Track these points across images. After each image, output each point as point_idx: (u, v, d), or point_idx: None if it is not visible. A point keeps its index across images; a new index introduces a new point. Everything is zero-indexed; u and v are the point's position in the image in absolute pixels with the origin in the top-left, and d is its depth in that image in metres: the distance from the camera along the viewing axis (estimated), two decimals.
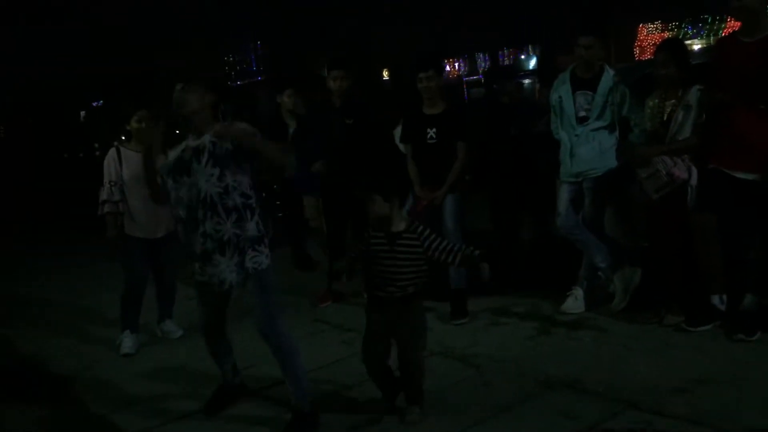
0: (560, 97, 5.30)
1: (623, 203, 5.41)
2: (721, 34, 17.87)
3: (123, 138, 5.63)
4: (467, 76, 26.63)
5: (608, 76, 5.19)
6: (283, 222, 7.44)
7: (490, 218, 6.31)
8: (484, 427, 3.69)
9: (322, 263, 6.86)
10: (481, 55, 26.36)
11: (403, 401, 3.86)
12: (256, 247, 3.77)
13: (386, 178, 3.89)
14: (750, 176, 4.45)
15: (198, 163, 3.72)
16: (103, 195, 5.32)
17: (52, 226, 12.96)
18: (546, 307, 5.43)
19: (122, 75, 26.77)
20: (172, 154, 3.86)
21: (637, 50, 21.06)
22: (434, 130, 5.50)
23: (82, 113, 35.15)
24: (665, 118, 4.80)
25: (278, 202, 7.46)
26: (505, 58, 25.53)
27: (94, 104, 34.86)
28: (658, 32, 20.90)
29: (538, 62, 23.00)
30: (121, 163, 5.31)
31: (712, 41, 17.69)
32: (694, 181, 4.64)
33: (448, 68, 26.09)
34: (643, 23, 21.30)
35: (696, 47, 16.36)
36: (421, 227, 3.80)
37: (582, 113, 5.21)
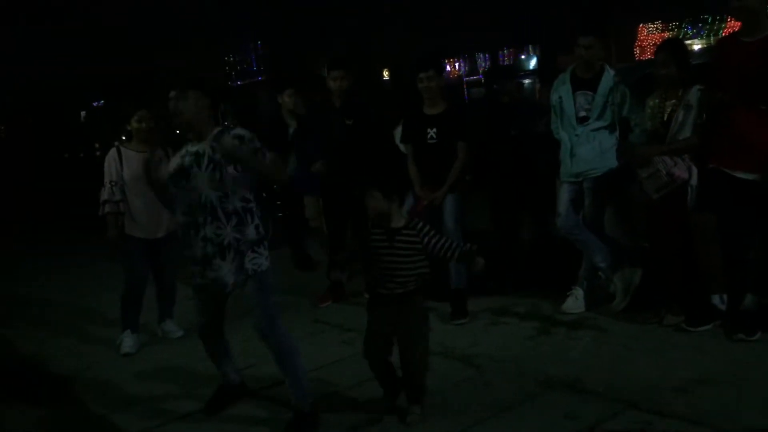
0: (560, 97, 5.30)
1: (623, 203, 5.41)
2: (722, 34, 17.88)
3: (123, 138, 5.64)
4: (467, 76, 26.64)
5: (608, 76, 5.19)
6: (284, 222, 7.44)
7: (490, 218, 6.30)
8: (485, 427, 3.69)
9: (322, 263, 6.87)
10: (481, 55, 26.36)
11: (404, 401, 3.86)
12: (255, 248, 3.78)
13: (386, 175, 3.89)
14: (750, 176, 4.45)
15: (198, 168, 3.74)
16: (104, 195, 5.32)
17: (52, 226, 12.97)
18: (546, 307, 5.42)
19: (122, 75, 26.77)
20: (174, 161, 3.87)
21: (637, 50, 21.06)
22: (434, 130, 5.51)
23: (83, 113, 35.17)
24: (665, 118, 4.80)
25: (278, 202, 7.47)
26: (506, 58, 25.53)
27: (95, 104, 34.86)
28: (658, 32, 20.91)
29: (539, 62, 23.00)
30: (122, 163, 5.31)
31: (712, 41, 17.69)
32: (694, 180, 4.64)
33: (448, 68, 26.09)
34: (644, 23, 21.30)
35: (696, 47, 16.36)
36: (420, 223, 3.81)
37: (582, 113, 5.21)
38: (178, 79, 3.90)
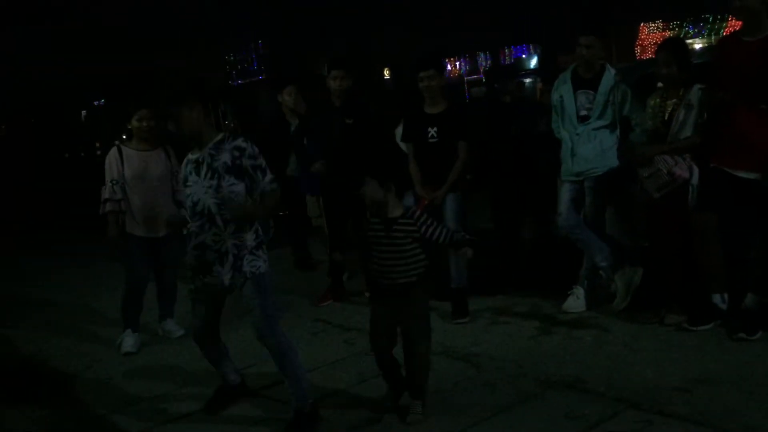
0: (561, 96, 5.29)
1: (624, 202, 5.40)
2: (722, 33, 17.89)
3: (124, 137, 5.64)
4: (468, 75, 26.64)
5: (609, 75, 5.18)
6: (285, 222, 7.44)
7: (491, 218, 6.30)
8: (485, 426, 3.68)
9: (323, 263, 6.86)
10: (482, 54, 26.37)
11: (406, 400, 3.85)
12: (254, 251, 3.80)
13: (382, 164, 3.90)
14: (751, 175, 4.44)
15: (197, 175, 3.77)
16: (105, 193, 5.32)
17: (52, 226, 12.97)
18: (547, 307, 5.42)
19: (122, 75, 26.79)
20: (182, 171, 3.93)
21: (638, 49, 21.06)
22: (435, 129, 5.50)
23: (84, 112, 35.21)
24: (666, 117, 4.79)
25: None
26: (506, 58, 25.54)
27: (96, 103, 34.90)
28: (659, 31, 20.92)
29: (539, 61, 23.01)
30: (123, 162, 5.31)
31: (713, 40, 17.69)
32: (695, 180, 4.63)
33: (449, 67, 26.10)
34: (645, 22, 21.31)
35: (697, 46, 16.37)
36: (418, 212, 3.83)
37: (583, 112, 5.21)
38: (178, 80, 3.89)
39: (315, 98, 7.09)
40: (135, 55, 27.15)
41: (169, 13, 26.69)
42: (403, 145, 5.88)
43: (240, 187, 3.74)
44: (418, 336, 3.77)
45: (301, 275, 7.24)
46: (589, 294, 5.34)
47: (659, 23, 21.07)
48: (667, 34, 19.97)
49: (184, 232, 4.00)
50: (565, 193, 5.30)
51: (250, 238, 3.78)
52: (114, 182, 5.29)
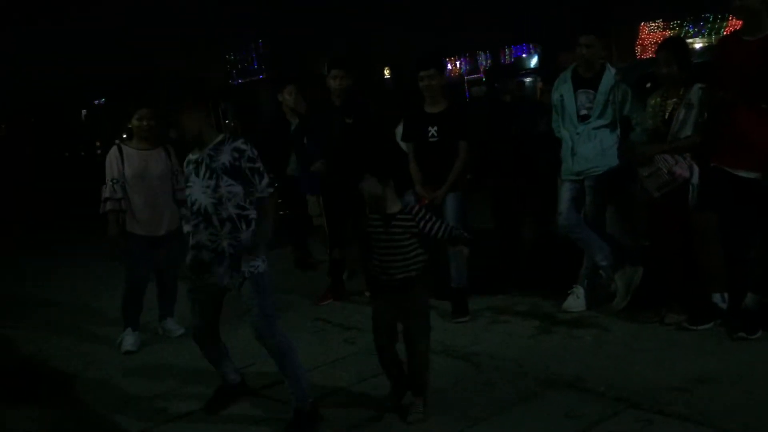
0: (562, 95, 5.29)
1: (624, 202, 5.40)
2: (723, 32, 17.87)
3: (124, 136, 5.64)
4: (469, 74, 26.61)
5: (610, 74, 5.18)
6: (286, 222, 7.43)
7: (491, 217, 6.30)
8: (485, 425, 3.68)
9: (323, 263, 6.86)
10: (482, 54, 26.34)
11: (407, 400, 3.85)
12: (252, 251, 3.79)
13: (381, 160, 3.90)
14: (751, 175, 4.44)
15: (196, 175, 3.81)
16: (106, 192, 5.33)
17: (52, 226, 12.96)
18: (547, 306, 5.42)
19: (122, 75, 26.78)
20: (185, 170, 3.95)
21: (638, 49, 21.04)
22: (435, 128, 5.50)
23: (84, 112, 35.20)
24: (667, 116, 4.79)
25: (279, 201, 7.45)
26: (506, 57, 25.52)
27: (96, 102, 34.88)
28: (659, 31, 20.89)
29: (539, 61, 23.00)
30: (123, 161, 5.32)
31: (713, 40, 17.68)
32: (695, 179, 4.63)
33: (449, 67, 26.08)
34: (645, 22, 21.28)
35: (697, 46, 16.34)
36: (417, 207, 3.84)
37: (583, 112, 5.21)
38: (178, 80, 3.90)
39: (315, 98, 7.09)
40: (135, 55, 27.13)
41: (169, 13, 26.66)
42: (403, 145, 5.88)
43: (238, 188, 3.76)
44: (418, 334, 3.78)
45: (301, 275, 7.24)
46: (589, 293, 5.34)
47: (659, 23, 21.04)
48: (668, 33, 19.93)
49: (185, 231, 4.02)
50: (565, 193, 5.30)
51: (246, 239, 3.78)
52: (114, 181, 5.30)
